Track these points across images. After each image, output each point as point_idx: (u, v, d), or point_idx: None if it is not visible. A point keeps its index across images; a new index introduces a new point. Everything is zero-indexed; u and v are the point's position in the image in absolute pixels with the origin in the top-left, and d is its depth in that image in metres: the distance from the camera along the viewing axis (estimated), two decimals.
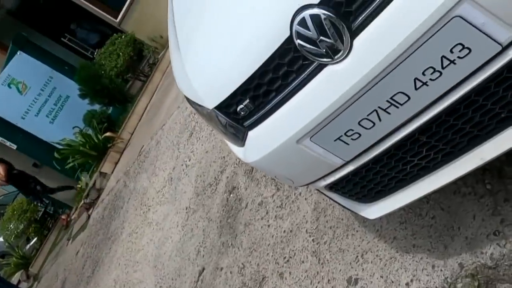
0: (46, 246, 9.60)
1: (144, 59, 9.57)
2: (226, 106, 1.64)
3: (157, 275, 4.06)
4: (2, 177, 8.46)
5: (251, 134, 1.65)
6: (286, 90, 1.47)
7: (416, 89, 1.30)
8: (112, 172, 7.80)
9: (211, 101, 1.69)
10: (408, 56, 1.24)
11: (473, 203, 1.88)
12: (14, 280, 9.75)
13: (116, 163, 7.91)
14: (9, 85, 8.95)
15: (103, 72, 8.70)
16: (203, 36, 1.73)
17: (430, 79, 1.27)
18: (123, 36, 9.01)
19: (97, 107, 8.82)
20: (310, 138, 1.48)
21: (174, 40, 1.97)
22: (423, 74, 1.26)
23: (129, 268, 4.82)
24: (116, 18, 9.82)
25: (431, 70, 1.25)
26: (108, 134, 8.05)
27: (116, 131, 8.27)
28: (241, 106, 1.60)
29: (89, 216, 7.57)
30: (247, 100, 1.57)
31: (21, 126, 8.74)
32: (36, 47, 9.57)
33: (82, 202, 7.77)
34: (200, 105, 1.80)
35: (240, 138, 1.73)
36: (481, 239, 1.79)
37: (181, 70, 1.87)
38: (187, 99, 1.95)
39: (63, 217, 8.94)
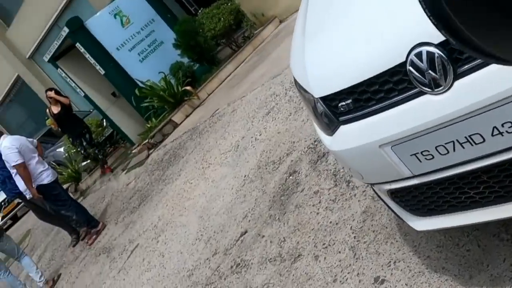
0: (96, 173, 10.23)
1: (240, 30, 9.97)
2: (330, 99, 1.95)
3: (201, 225, 4.44)
4: (54, 109, 8.93)
5: (342, 128, 1.96)
6: (385, 102, 1.76)
7: (492, 135, 1.57)
8: (181, 123, 8.26)
9: (318, 91, 1.99)
10: (494, 108, 1.51)
11: (507, 249, 2.13)
12: None
13: (187, 116, 8.36)
14: (115, 16, 9.52)
15: (201, 30, 9.14)
16: (330, 33, 2.03)
17: (506, 131, 1.54)
18: (229, 4, 9.43)
19: (185, 60, 9.28)
20: (392, 146, 1.77)
21: (302, 26, 2.27)
22: (502, 125, 1.53)
23: (176, 211, 5.24)
24: None
25: (510, 124, 1.52)
26: (188, 88, 8.50)
27: (196, 88, 8.71)
28: (343, 103, 1.90)
29: (148, 155, 8.07)
30: (350, 100, 1.87)
31: (114, 56, 9.31)
32: None
33: (147, 141, 8.27)
34: (306, 91, 2.11)
35: (331, 128, 2.04)
36: (504, 279, 2.05)
37: (299, 55, 2.18)
38: (296, 81, 2.26)
39: (106, 166, 9.49)
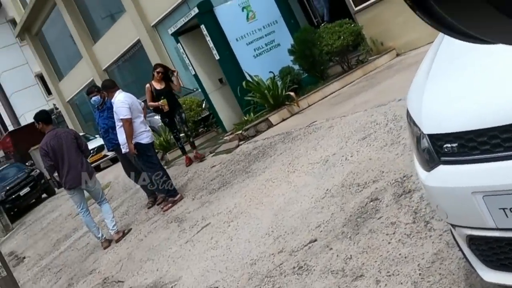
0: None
1: (356, 52, 10.14)
2: (437, 138, 2.12)
3: (274, 222, 4.69)
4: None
5: (441, 167, 2.12)
6: (489, 155, 1.92)
7: None
8: (276, 125, 8.55)
9: (428, 128, 2.17)
10: None
11: None
12: None
13: (284, 120, 8.65)
14: (243, 9, 9.97)
15: (318, 43, 9.39)
16: (453, 79, 2.20)
17: None
18: (352, 25, 9.62)
19: (296, 67, 9.57)
20: (484, 196, 1.92)
21: (428, 66, 2.44)
22: None
23: (253, 203, 5.52)
24: (356, 6, 10.45)
25: None
26: (291, 93, 8.77)
27: (299, 95, 8.97)
28: (448, 145, 2.06)
29: (238, 145, 8.43)
30: (456, 144, 2.04)
31: (232, 46, 9.75)
32: None
33: (240, 132, 8.63)
34: (416, 125, 2.28)
35: (430, 165, 2.20)
36: None
37: (419, 91, 2.36)
38: (408, 114, 2.44)
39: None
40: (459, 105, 2.04)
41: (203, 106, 11.29)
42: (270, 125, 8.63)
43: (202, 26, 9.66)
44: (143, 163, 7.54)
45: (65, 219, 13.43)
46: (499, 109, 1.86)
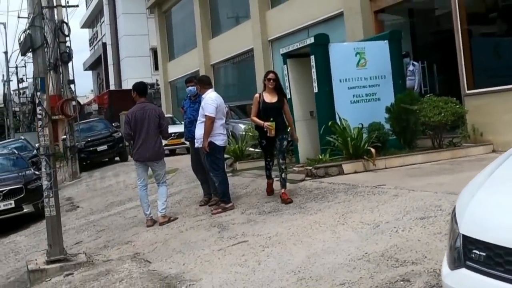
0: (257, 163, 10.92)
1: (452, 133, 9.94)
2: (469, 242, 2.13)
3: (304, 263, 4.71)
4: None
5: (464, 270, 2.13)
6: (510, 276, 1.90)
7: None
8: (347, 174, 8.55)
9: (465, 229, 2.19)
10: None
11: None
12: None
13: (356, 172, 8.63)
14: (356, 54, 10.05)
15: (417, 111, 9.30)
16: (508, 193, 2.21)
17: None
18: (457, 106, 9.45)
19: (386, 126, 9.52)
20: None
21: (485, 177, 2.47)
22: None
23: (293, 238, 5.57)
24: (468, 88, 10.26)
25: None
26: (372, 150, 8.73)
27: (378, 154, 8.90)
28: (477, 252, 2.07)
29: (303, 180, 8.50)
30: (484, 253, 2.04)
31: (333, 84, 9.80)
32: (398, 48, 10.49)
33: (310, 168, 8.70)
34: (456, 222, 2.31)
35: (455, 264, 2.21)
36: None
37: (472, 190, 2.39)
38: (453, 209, 2.47)
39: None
40: (501, 218, 2.05)
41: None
42: (341, 172, 8.62)
43: (312, 57, 9.83)
44: (210, 162, 7.78)
45: (125, 187, 14.00)
46: None
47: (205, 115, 7.62)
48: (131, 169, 16.47)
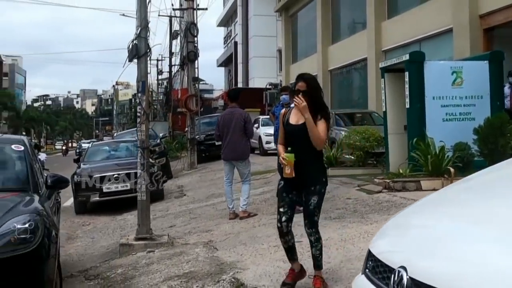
0: (349, 171, 11.37)
1: None
2: (369, 254, 2.62)
3: (338, 268, 5.23)
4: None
5: (362, 277, 2.62)
6: None
7: None
8: (424, 191, 8.76)
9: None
10: None
11: None
12: None
13: (434, 189, 8.79)
14: (452, 72, 10.12)
15: (508, 134, 9.21)
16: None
17: None
18: None
19: (474, 148, 9.52)
20: None
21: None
22: None
23: (340, 244, 6.08)
24: None
25: None
26: (451, 169, 8.82)
27: (456, 174, 8.97)
28: (370, 264, 2.56)
29: (380, 191, 8.86)
30: (372, 264, 2.53)
31: (426, 101, 9.95)
32: (499, 69, 10.37)
33: (390, 181, 9.01)
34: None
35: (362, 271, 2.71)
36: None
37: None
38: None
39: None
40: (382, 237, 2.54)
41: (380, 142, 11.74)
42: (419, 188, 8.84)
43: (406, 73, 10.08)
44: None
45: None
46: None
47: None
48: None
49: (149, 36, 6.91)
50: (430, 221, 2.53)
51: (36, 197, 4.72)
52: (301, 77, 4.70)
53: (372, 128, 12.71)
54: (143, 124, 7.12)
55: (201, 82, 60.29)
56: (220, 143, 9.05)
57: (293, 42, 29.45)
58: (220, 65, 51.46)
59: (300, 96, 4.44)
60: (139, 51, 6.89)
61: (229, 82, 48.36)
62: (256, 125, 23.00)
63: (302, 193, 4.72)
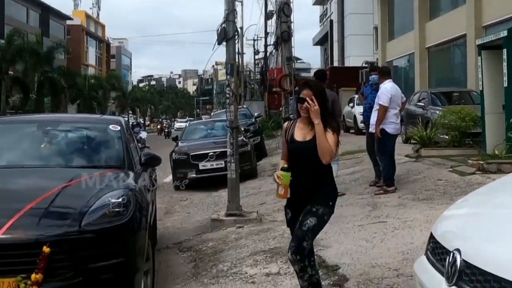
0: (443, 151, 11.08)
1: None
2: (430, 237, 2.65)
3: (418, 249, 5.23)
4: None
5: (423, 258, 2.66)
6: None
7: None
8: None
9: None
10: None
11: None
12: None
13: None
14: None
15: None
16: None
17: None
18: None
19: None
20: None
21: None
22: None
23: (425, 226, 6.03)
24: None
25: None
26: None
27: None
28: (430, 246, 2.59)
29: (473, 173, 8.61)
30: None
31: None
32: None
33: (484, 162, 8.71)
34: None
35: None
36: None
37: None
38: None
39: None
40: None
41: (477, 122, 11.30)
42: None
43: (504, 50, 9.62)
44: (378, 147, 8.45)
45: None
46: None
47: (379, 104, 8.26)
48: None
49: (237, 19, 7.13)
50: (489, 207, 2.54)
51: (131, 174, 5.12)
52: (307, 84, 4.13)
53: (469, 107, 12.23)
54: (231, 105, 7.38)
55: (298, 61, 60.21)
56: None
57: (389, 19, 28.63)
58: (316, 44, 51.14)
59: (313, 98, 3.85)
60: (227, 34, 7.13)
61: (325, 61, 47.99)
62: (351, 104, 22.82)
63: (305, 212, 3.96)
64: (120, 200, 4.26)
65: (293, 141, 4.07)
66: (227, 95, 7.40)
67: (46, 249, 3.74)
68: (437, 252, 2.51)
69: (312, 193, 3.95)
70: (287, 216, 4.20)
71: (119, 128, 5.73)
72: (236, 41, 7.24)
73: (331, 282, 4.89)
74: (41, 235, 3.84)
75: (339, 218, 7.18)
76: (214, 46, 7.21)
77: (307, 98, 3.86)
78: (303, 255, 3.92)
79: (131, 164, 5.40)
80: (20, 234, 3.84)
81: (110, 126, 5.74)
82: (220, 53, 7.88)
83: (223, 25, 7.13)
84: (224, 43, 7.25)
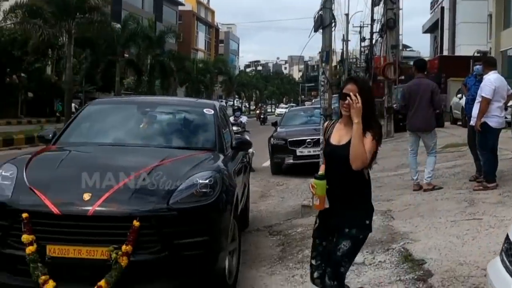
0: None
1: None
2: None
3: None
4: None
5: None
6: None
7: None
8: None
9: None
10: None
11: None
12: None
13: None
14: None
15: None
16: None
17: None
18: None
19: None
20: None
21: None
22: None
23: None
24: None
25: None
26: None
27: None
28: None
29: None
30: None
31: None
32: None
33: None
34: None
35: None
36: None
37: None
38: None
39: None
40: None
41: None
42: None
43: None
44: (479, 141, 8.06)
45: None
46: None
47: (482, 96, 7.86)
48: (444, 135, 16.78)
49: (333, 7, 7.08)
50: None
51: (221, 157, 5.30)
52: (352, 79, 3.66)
53: None
54: (326, 93, 7.37)
55: (406, 49, 58.23)
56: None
57: (505, 6, 26.86)
58: (425, 32, 49.18)
59: (356, 95, 3.39)
60: (324, 21, 7.11)
61: (434, 50, 46.09)
62: (459, 95, 21.80)
63: (337, 233, 3.57)
64: (207, 181, 4.44)
65: (328, 144, 3.65)
66: (321, 83, 7.40)
67: (136, 223, 4.01)
68: (510, 253, 2.40)
69: (345, 206, 3.49)
70: (315, 225, 3.74)
71: (212, 112, 5.93)
72: (333, 29, 7.21)
73: (415, 277, 4.80)
74: (132, 210, 4.12)
75: (432, 212, 6.98)
76: (310, 33, 7.21)
77: (351, 93, 3.41)
78: (340, 280, 3.58)
79: (222, 147, 5.58)
80: (114, 208, 4.14)
81: (204, 110, 5.96)
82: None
83: (320, 12, 7.12)
84: (320, 30, 7.23)
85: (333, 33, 7.18)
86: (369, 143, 3.41)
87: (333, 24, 7.26)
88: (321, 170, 3.66)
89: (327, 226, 3.60)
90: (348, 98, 3.41)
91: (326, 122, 3.84)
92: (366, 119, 3.42)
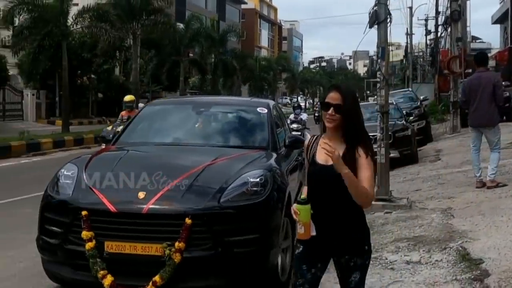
0: None
1: None
2: None
3: None
4: None
5: None
6: None
7: None
8: None
9: None
10: None
11: None
12: None
13: None
14: None
15: None
16: None
17: None
18: None
19: None
20: None
21: None
22: None
23: None
24: None
25: None
26: None
27: None
28: None
29: None
30: None
31: None
32: None
33: None
34: None
35: None
36: None
37: None
38: None
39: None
40: None
41: None
42: None
43: None
44: None
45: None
46: None
47: None
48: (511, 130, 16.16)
49: (389, 2, 6.96)
50: None
51: (273, 155, 5.35)
52: (335, 87, 3.06)
53: None
54: (382, 89, 7.28)
55: (476, 41, 56.21)
56: None
57: None
58: (494, 22, 47.08)
59: (330, 144, 2.87)
60: (378, 17, 7.01)
61: (504, 41, 44.17)
62: None
63: (337, 264, 3.11)
64: (258, 180, 4.52)
65: (314, 163, 3.08)
66: (378, 79, 7.30)
67: (188, 220, 4.14)
68: None
69: (339, 232, 3.01)
70: (296, 250, 3.14)
71: (266, 111, 5.99)
72: (388, 24, 7.09)
73: (472, 276, 4.68)
74: (185, 208, 4.26)
75: (494, 210, 6.77)
76: (365, 29, 7.13)
77: (327, 143, 2.89)
78: None
79: (275, 146, 5.63)
80: (167, 206, 4.29)
81: (258, 109, 6.03)
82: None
83: (375, 8, 7.03)
84: (376, 26, 7.14)
85: (388, 28, 7.07)
86: (365, 164, 2.96)
87: (388, 20, 7.14)
88: (304, 193, 3.17)
89: (316, 254, 3.07)
90: (330, 111, 2.96)
91: (308, 139, 3.26)
92: (353, 132, 2.99)
